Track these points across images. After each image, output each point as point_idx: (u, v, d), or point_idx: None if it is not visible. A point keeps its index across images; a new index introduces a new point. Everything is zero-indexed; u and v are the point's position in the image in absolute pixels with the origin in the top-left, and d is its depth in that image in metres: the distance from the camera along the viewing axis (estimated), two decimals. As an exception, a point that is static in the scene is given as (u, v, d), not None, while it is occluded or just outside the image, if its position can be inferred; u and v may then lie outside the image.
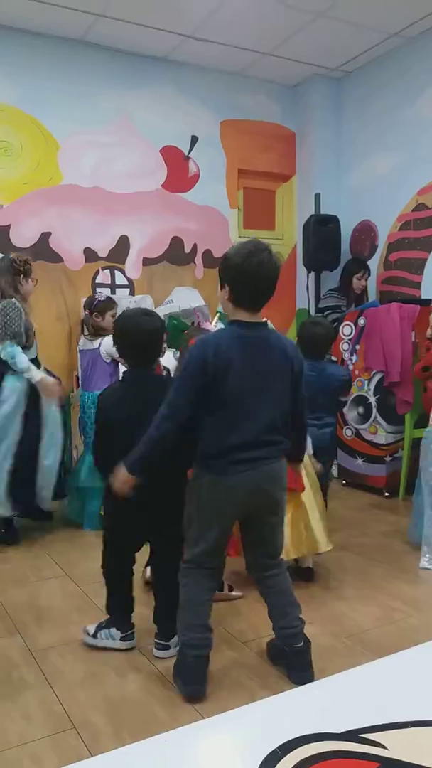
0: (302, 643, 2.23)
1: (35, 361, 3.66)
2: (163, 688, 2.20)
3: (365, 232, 5.32)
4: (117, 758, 1.70)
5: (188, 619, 2.19)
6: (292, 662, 2.24)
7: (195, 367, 2.06)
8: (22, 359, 3.46)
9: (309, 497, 2.99)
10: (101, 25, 4.54)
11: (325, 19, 4.49)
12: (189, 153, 5.21)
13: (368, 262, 5.24)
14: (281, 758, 1.36)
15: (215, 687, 2.19)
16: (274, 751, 1.39)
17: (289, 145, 5.63)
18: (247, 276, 2.08)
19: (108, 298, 4.09)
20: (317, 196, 5.42)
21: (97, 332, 3.94)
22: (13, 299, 3.53)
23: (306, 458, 2.93)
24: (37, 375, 3.52)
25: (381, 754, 1.36)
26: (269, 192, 5.70)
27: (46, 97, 4.63)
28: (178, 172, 5.17)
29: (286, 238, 5.71)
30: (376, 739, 1.40)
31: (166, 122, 5.08)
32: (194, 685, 2.15)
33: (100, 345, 3.89)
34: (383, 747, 1.37)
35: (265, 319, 2.20)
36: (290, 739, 1.44)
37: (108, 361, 3.90)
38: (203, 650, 2.18)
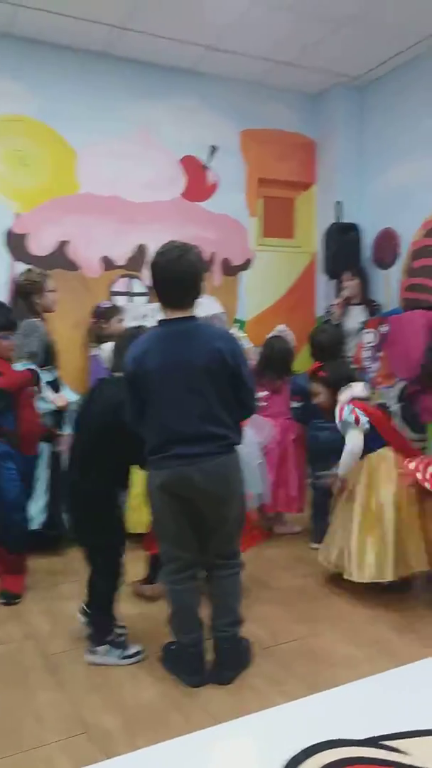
0: (230, 645, 2.27)
1: (54, 383, 3.70)
2: (177, 693, 2.17)
3: (387, 240, 5.27)
4: (130, 762, 1.67)
5: (177, 622, 2.29)
6: (219, 660, 2.27)
7: (126, 373, 2.24)
8: None
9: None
10: (123, 38, 4.58)
11: (345, 29, 4.48)
12: (209, 162, 5.23)
13: (390, 270, 5.19)
14: (302, 762, 1.32)
15: (232, 693, 2.15)
16: (296, 755, 1.34)
17: (309, 153, 5.63)
18: (159, 274, 2.23)
19: (113, 305, 4.17)
20: (338, 204, 5.40)
21: (101, 339, 3.99)
22: (34, 320, 3.64)
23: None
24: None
25: (401, 761, 1.32)
26: (289, 200, 5.69)
27: (65, 108, 4.67)
28: (198, 181, 5.18)
29: (305, 246, 5.69)
30: (396, 746, 1.36)
31: (186, 132, 5.10)
32: (195, 676, 2.23)
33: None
34: (404, 753, 1.32)
35: (192, 314, 2.25)
36: (312, 744, 1.40)
37: (106, 366, 3.93)
38: (197, 647, 2.26)
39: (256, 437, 3.25)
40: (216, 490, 2.19)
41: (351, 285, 4.93)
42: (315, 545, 3.50)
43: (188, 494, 2.18)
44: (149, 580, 2.96)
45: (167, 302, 2.24)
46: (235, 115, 5.27)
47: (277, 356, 4.02)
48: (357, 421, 2.97)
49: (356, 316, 4.90)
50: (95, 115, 4.78)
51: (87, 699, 2.14)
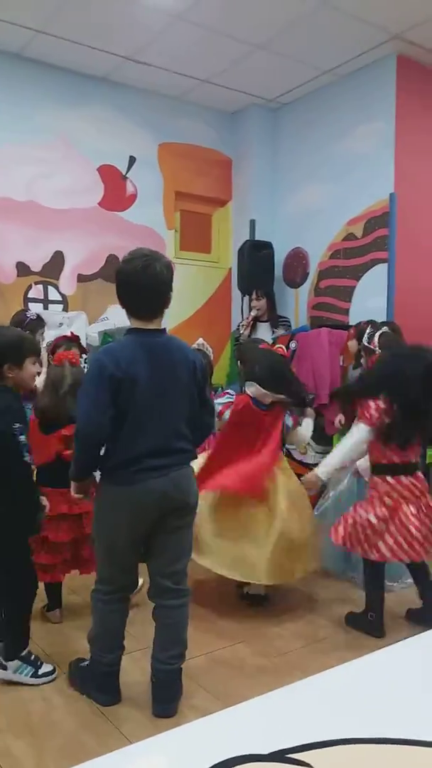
0: (173, 679, 2.21)
1: None
2: (89, 713, 2.16)
3: (297, 259, 5.48)
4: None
5: (101, 642, 2.23)
6: (156, 694, 2.21)
7: (101, 379, 2.04)
8: None
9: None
10: (40, 42, 4.51)
11: (262, 52, 4.64)
12: (127, 173, 5.23)
13: (299, 289, 5.39)
14: (210, 781, 1.35)
15: (142, 709, 2.17)
16: (204, 774, 1.38)
17: (225, 170, 5.75)
18: (128, 283, 2.13)
19: (38, 317, 4.01)
20: (252, 222, 5.55)
21: None
22: None
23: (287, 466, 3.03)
24: None
25: (307, 773, 1.38)
26: (206, 216, 5.79)
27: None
28: (116, 191, 5.17)
29: (221, 261, 5.80)
30: (302, 759, 1.43)
31: (104, 141, 5.08)
32: (109, 695, 2.22)
33: None
34: (309, 766, 1.40)
35: (164, 327, 2.22)
36: (218, 761, 1.44)
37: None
38: (114, 666, 2.24)
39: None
40: (184, 499, 2.18)
41: (258, 305, 5.09)
42: None
43: (158, 506, 2.12)
44: (51, 606, 2.90)
45: (138, 313, 2.15)
46: (153, 127, 5.31)
47: None
48: None
49: (266, 332, 5.06)
50: (12, 117, 4.68)
51: (-5, 723, 2.10)
